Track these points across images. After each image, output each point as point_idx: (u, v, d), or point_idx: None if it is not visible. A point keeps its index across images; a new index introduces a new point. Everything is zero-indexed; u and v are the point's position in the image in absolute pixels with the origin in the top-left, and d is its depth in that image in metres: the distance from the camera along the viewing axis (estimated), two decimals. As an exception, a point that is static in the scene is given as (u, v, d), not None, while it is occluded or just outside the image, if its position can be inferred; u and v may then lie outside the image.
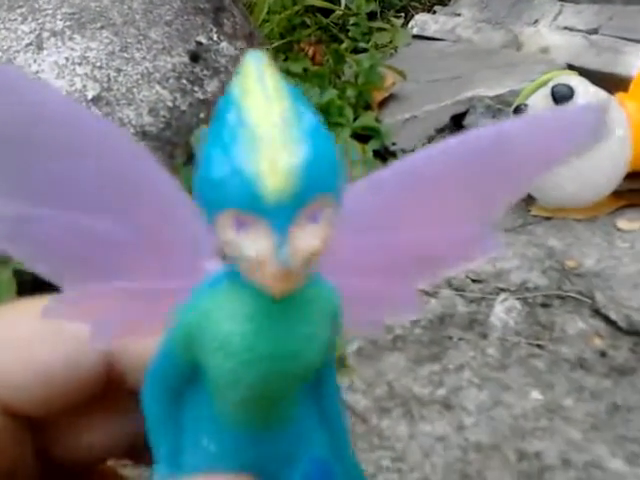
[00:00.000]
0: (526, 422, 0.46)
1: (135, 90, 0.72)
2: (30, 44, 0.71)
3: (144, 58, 0.73)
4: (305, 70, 1.04)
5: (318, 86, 0.94)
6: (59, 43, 0.70)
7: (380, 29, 1.33)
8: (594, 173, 0.69)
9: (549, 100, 0.69)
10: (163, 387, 0.15)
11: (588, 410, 0.46)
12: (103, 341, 0.16)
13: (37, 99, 0.13)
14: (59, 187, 0.14)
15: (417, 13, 1.52)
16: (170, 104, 0.73)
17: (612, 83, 0.79)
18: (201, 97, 0.75)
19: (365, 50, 1.10)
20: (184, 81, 0.74)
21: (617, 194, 0.73)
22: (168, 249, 0.15)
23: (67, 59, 0.70)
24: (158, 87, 0.73)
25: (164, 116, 0.72)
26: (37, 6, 0.72)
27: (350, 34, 1.24)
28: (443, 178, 0.17)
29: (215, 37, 0.78)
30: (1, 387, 0.17)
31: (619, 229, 0.70)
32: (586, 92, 0.69)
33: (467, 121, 0.92)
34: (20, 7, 0.72)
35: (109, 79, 0.71)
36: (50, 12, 0.71)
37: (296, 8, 1.10)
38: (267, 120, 0.11)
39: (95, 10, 0.72)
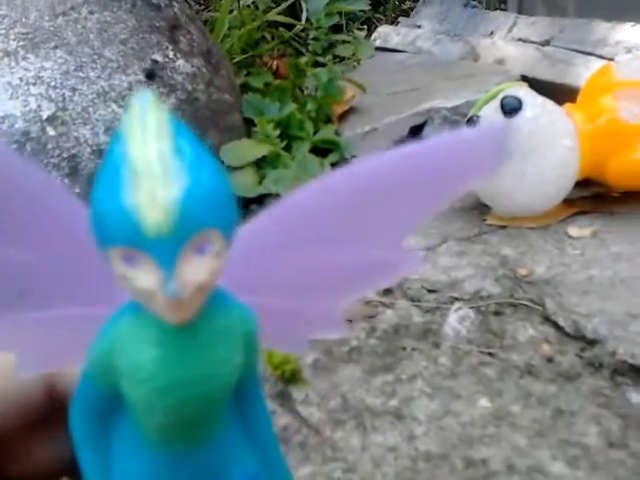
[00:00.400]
0: (474, 430, 0.47)
1: (91, 109, 0.72)
2: (-17, 65, 0.71)
3: (99, 77, 0.73)
4: (267, 84, 1.05)
5: (279, 100, 0.95)
6: (12, 63, 0.70)
7: (343, 42, 1.35)
8: (544, 183, 0.71)
9: (499, 111, 0.71)
10: (88, 411, 0.16)
11: (534, 416, 0.47)
12: (29, 370, 0.16)
13: None
14: None
15: (381, 24, 1.54)
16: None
17: (562, 94, 0.81)
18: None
19: (326, 64, 1.11)
20: (140, 99, 0.74)
21: (568, 202, 0.75)
22: (90, 277, 0.16)
23: (21, 79, 0.70)
24: (114, 106, 0.73)
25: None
26: (-11, 27, 0.72)
27: (311, 48, 1.25)
28: (353, 199, 0.17)
29: (171, 55, 0.79)
30: None
31: (570, 236, 0.71)
32: (534, 103, 0.71)
33: (426, 132, 0.93)
34: (-28, 29, 0.72)
35: (64, 98, 0.71)
36: (3, 32, 0.71)
37: (256, 23, 1.11)
38: (145, 156, 0.12)
39: (49, 30, 0.73)
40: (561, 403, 0.48)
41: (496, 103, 0.72)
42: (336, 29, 1.45)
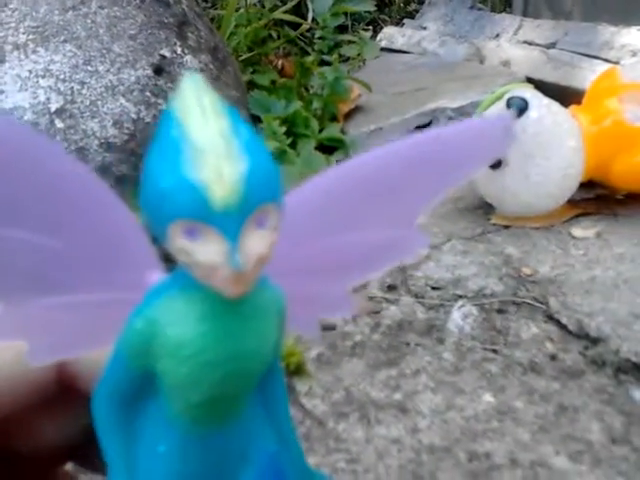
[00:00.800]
0: (477, 424, 0.47)
1: (99, 103, 0.72)
2: (-7, 57, 0.71)
3: (108, 71, 0.73)
4: (273, 82, 1.06)
5: (285, 98, 0.96)
6: (22, 56, 0.70)
7: (349, 42, 1.36)
8: (548, 183, 0.71)
9: (505, 112, 0.71)
10: (116, 394, 0.16)
11: (537, 411, 0.48)
12: (40, 359, 0.16)
13: None
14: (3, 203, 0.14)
15: (386, 26, 1.54)
16: (134, 116, 0.74)
17: (568, 96, 0.82)
18: (165, 109, 0.76)
19: (331, 63, 1.11)
20: (148, 94, 0.75)
21: (572, 203, 0.76)
22: (110, 263, 0.16)
23: (30, 72, 0.70)
24: (122, 100, 0.74)
25: (128, 128, 0.73)
26: (-1, 19, 0.72)
27: (317, 47, 1.26)
28: (368, 184, 0.18)
29: (179, 50, 0.79)
30: None
31: (574, 237, 0.72)
32: (540, 104, 0.71)
33: (430, 132, 0.94)
34: (-17, 20, 0.72)
35: (73, 92, 0.71)
36: (13, 25, 0.72)
37: (263, 22, 1.11)
38: (208, 134, 0.12)
39: (58, 24, 0.73)
40: (564, 399, 0.49)
41: (502, 104, 0.73)
42: (342, 29, 1.46)
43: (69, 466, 0.22)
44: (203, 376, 0.14)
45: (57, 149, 0.15)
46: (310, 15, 1.27)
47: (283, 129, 0.85)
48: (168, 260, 0.15)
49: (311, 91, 1.04)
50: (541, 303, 0.61)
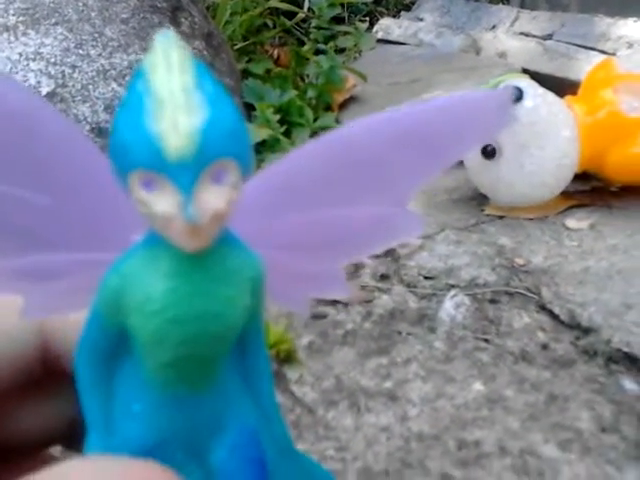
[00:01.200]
0: (467, 412, 0.47)
1: (91, 87, 0.71)
2: (-17, 39, 0.70)
3: (100, 55, 0.73)
4: (268, 71, 1.05)
5: (280, 87, 0.95)
6: (12, 38, 0.69)
7: (345, 33, 1.35)
8: (543, 173, 0.71)
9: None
10: (93, 352, 0.16)
11: (527, 400, 0.47)
12: (36, 313, 0.16)
13: None
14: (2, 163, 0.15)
15: (383, 18, 1.54)
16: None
17: (564, 87, 0.81)
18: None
19: (327, 52, 1.11)
20: (140, 78, 0.74)
21: (567, 194, 0.75)
22: (99, 223, 0.16)
23: (20, 54, 0.69)
24: (114, 84, 0.73)
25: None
26: (-11, 1, 0.71)
27: (312, 37, 1.25)
28: (354, 156, 0.17)
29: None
30: None
31: (568, 228, 0.71)
32: (535, 94, 0.71)
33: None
34: (-27, 2, 0.71)
35: (64, 75, 0.71)
36: (2, 7, 0.71)
37: (258, 10, 1.10)
38: (169, 88, 0.12)
39: (49, 6, 0.72)
40: (554, 388, 0.48)
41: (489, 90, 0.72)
42: (338, 21, 1.45)
43: (57, 449, 0.21)
44: (169, 333, 0.14)
45: (50, 109, 0.15)
46: (306, 4, 1.26)
47: (277, 117, 0.84)
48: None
49: (306, 80, 1.03)
50: (533, 293, 0.61)
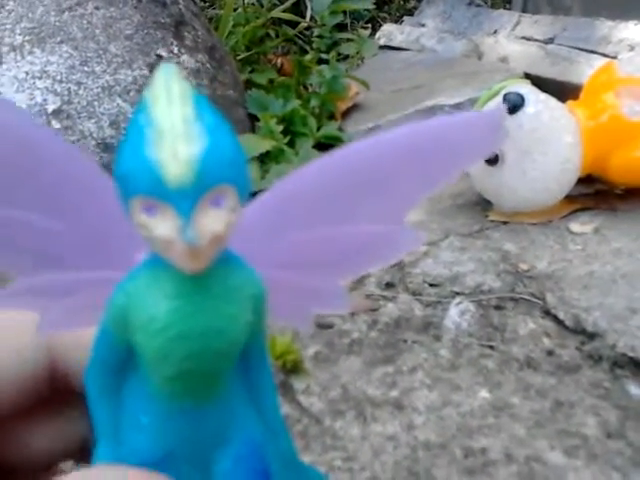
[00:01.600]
0: (473, 420, 0.47)
1: (96, 103, 0.72)
2: (-10, 59, 0.71)
3: (104, 71, 0.74)
4: (271, 81, 1.06)
5: (283, 97, 0.96)
6: (18, 57, 0.70)
7: (348, 40, 1.36)
8: (546, 178, 0.71)
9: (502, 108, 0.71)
10: (102, 366, 0.16)
11: (533, 407, 0.48)
12: (50, 329, 0.17)
13: None
14: (8, 188, 0.16)
15: (385, 24, 1.54)
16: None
17: (566, 91, 0.82)
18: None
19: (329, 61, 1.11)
20: (144, 94, 0.75)
21: (570, 198, 0.76)
22: (107, 242, 0.17)
23: (27, 73, 0.70)
24: (119, 100, 0.74)
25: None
26: (-5, 21, 0.72)
27: (315, 46, 1.25)
28: (357, 175, 0.18)
29: (176, 50, 0.80)
30: None
31: (572, 232, 0.72)
32: (537, 100, 0.71)
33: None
34: (-21, 22, 0.72)
35: (69, 92, 0.72)
36: (9, 27, 0.72)
37: (260, 21, 1.11)
38: (170, 119, 0.13)
39: (55, 25, 0.73)
40: (560, 395, 0.48)
41: (499, 100, 0.73)
42: (340, 28, 1.46)
43: (68, 464, 0.22)
44: (172, 350, 0.15)
45: (51, 132, 0.16)
46: (308, 13, 1.27)
47: (280, 127, 0.85)
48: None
49: (309, 89, 1.04)
50: (538, 299, 0.61)
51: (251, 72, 1.08)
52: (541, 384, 0.50)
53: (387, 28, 1.38)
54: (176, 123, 0.13)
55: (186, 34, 0.83)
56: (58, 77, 0.72)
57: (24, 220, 0.16)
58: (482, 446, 0.45)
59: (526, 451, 0.44)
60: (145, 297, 0.15)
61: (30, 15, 0.75)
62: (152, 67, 0.78)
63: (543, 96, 0.73)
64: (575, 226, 0.72)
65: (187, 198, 0.13)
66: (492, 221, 0.75)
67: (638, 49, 0.84)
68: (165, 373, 0.15)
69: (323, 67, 1.01)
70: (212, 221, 0.13)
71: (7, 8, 0.75)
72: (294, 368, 0.54)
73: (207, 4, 1.29)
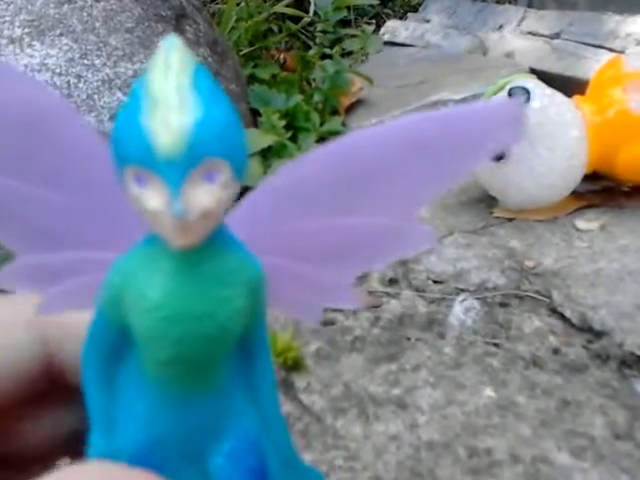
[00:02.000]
0: (478, 419, 0.46)
1: (96, 96, 0.72)
2: (-12, 51, 0.71)
3: (104, 65, 0.73)
4: (274, 76, 1.05)
5: (285, 92, 0.95)
6: (17, 50, 0.69)
7: (352, 36, 1.34)
8: (552, 174, 0.70)
9: (507, 102, 0.70)
10: (98, 350, 0.16)
11: (539, 406, 0.47)
12: (51, 310, 0.17)
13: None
14: (17, 160, 0.16)
15: (390, 20, 1.53)
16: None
17: (572, 86, 0.80)
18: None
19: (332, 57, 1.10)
20: (145, 87, 0.74)
21: (577, 195, 0.74)
22: (113, 222, 0.16)
23: (26, 66, 0.69)
24: (119, 93, 0.73)
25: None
26: (-6, 13, 0.72)
27: (318, 41, 1.24)
28: (362, 165, 0.17)
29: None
30: None
31: (578, 229, 0.70)
32: (542, 94, 0.70)
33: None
34: (-22, 14, 0.72)
35: (69, 86, 0.71)
36: (8, 19, 0.71)
37: (263, 15, 1.10)
38: (164, 87, 0.13)
39: (54, 17, 0.72)
40: (567, 394, 0.47)
41: (504, 94, 0.71)
42: (345, 24, 1.45)
43: (64, 461, 0.21)
44: (163, 332, 0.14)
45: (68, 108, 0.16)
46: (312, 9, 1.26)
47: (283, 122, 0.84)
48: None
49: (313, 85, 1.03)
50: (544, 296, 0.60)
51: (254, 67, 1.07)
52: (547, 383, 0.49)
53: (391, 24, 1.37)
54: (170, 92, 0.13)
55: (187, 28, 0.82)
56: (57, 70, 0.71)
57: (29, 193, 0.16)
58: (487, 446, 0.44)
59: (532, 451, 0.43)
60: (138, 275, 0.15)
61: (29, 7, 0.74)
62: (153, 60, 0.77)
63: (549, 91, 0.71)
64: (581, 223, 0.71)
65: (177, 169, 0.13)
66: (497, 218, 0.74)
67: (646, 44, 0.83)
68: (156, 356, 0.15)
69: (326, 62, 1.00)
70: (203, 196, 0.13)
71: (6, 0, 0.75)
72: (295, 365, 0.53)
73: (209, -1, 1.28)
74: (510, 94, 0.70)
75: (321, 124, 0.90)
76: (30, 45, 0.71)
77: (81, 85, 0.71)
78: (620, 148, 0.71)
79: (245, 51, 1.09)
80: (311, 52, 1.13)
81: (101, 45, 0.74)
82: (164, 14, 0.81)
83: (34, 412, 0.19)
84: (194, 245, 0.14)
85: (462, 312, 0.59)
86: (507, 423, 0.46)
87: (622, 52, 0.86)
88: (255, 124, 0.87)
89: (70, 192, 0.16)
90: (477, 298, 0.61)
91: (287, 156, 0.79)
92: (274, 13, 1.17)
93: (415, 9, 1.62)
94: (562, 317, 0.57)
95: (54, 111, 0.16)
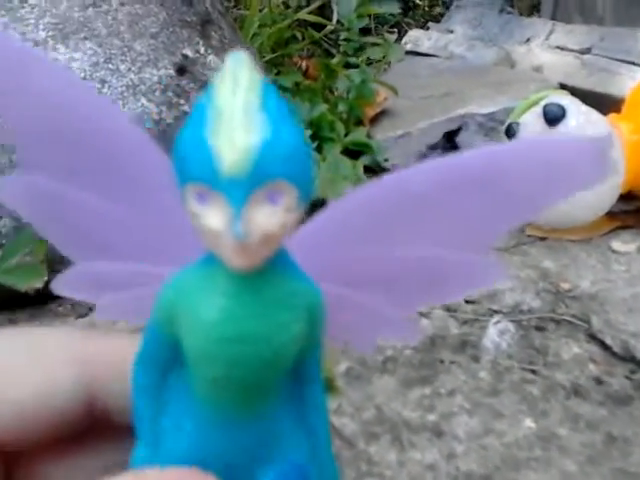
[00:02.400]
0: (519, 451, 0.44)
1: (120, 102, 0.70)
2: (13, 53, 0.69)
3: (129, 70, 0.71)
4: (297, 84, 1.03)
5: (309, 101, 0.93)
6: (45, 54, 0.68)
7: (373, 44, 1.33)
8: (587, 194, 0.68)
9: (541, 119, 0.68)
10: (149, 362, 0.16)
11: (583, 440, 0.44)
12: (107, 316, 0.17)
13: (52, 89, 0.15)
14: (78, 167, 0.16)
15: (411, 29, 1.52)
16: (156, 117, 0.72)
17: (604, 103, 0.79)
18: (187, 110, 0.73)
19: (357, 65, 1.09)
20: (170, 94, 0.72)
21: (611, 215, 0.72)
22: (169, 237, 0.16)
23: (51, 69, 0.68)
24: (144, 99, 0.71)
25: (149, 129, 0.70)
26: (19, 15, 0.70)
27: (342, 49, 1.23)
28: (432, 197, 0.16)
29: (202, 50, 0.77)
30: None
31: (614, 251, 0.68)
32: (578, 112, 0.68)
33: (460, 139, 0.91)
34: (2, 16, 0.70)
35: (94, 90, 0.69)
36: (32, 22, 0.69)
37: (286, 22, 1.09)
38: (232, 104, 0.12)
39: (79, 20, 0.71)
40: (613, 428, 0.45)
41: (538, 110, 0.70)
42: (365, 32, 1.43)
43: None
44: (215, 351, 0.14)
45: (129, 122, 0.16)
46: (335, 16, 1.24)
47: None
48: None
49: (336, 94, 1.01)
50: (582, 321, 0.58)
51: (276, 74, 1.05)
52: (591, 415, 0.47)
53: (414, 34, 1.35)
54: (237, 110, 0.12)
55: (213, 34, 0.81)
56: (82, 74, 0.69)
57: (89, 202, 0.16)
58: (531, 481, 0.42)
59: (580, 490, 0.40)
60: (193, 294, 0.14)
61: (54, 10, 0.73)
62: (178, 67, 0.75)
63: (585, 108, 0.69)
64: (617, 244, 0.69)
65: (240, 189, 0.12)
66: (529, 236, 0.72)
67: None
68: (207, 375, 0.15)
69: (352, 71, 0.98)
70: (265, 218, 0.13)
71: (30, 3, 0.73)
72: (326, 386, 0.51)
73: (232, 4, 1.27)
74: (545, 111, 0.68)
75: (345, 135, 0.88)
76: (54, 48, 0.70)
77: (105, 90, 0.70)
78: (658, 168, 0.69)
79: (267, 58, 1.08)
80: (334, 60, 1.12)
81: (125, 50, 0.72)
82: (189, 19, 0.80)
83: (72, 453, 0.18)
84: (253, 268, 0.13)
85: (497, 335, 0.57)
86: (550, 457, 0.44)
87: (657, 69, 0.84)
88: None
89: (126, 202, 0.16)
90: (512, 320, 0.59)
91: (313, 167, 0.78)
92: (297, 20, 1.16)
93: (436, 19, 1.60)
94: (602, 344, 0.55)
95: (104, 112, 0.16)
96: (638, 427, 0.45)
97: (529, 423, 0.47)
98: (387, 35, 1.41)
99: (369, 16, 1.39)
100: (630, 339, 0.54)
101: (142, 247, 0.16)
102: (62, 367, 0.17)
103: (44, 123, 0.16)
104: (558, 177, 0.16)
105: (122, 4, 0.76)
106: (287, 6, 1.20)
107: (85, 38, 0.72)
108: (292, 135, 0.13)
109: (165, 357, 0.16)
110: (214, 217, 0.13)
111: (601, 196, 0.70)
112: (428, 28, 1.45)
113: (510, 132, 0.71)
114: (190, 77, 0.76)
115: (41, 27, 0.71)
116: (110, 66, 0.72)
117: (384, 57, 1.23)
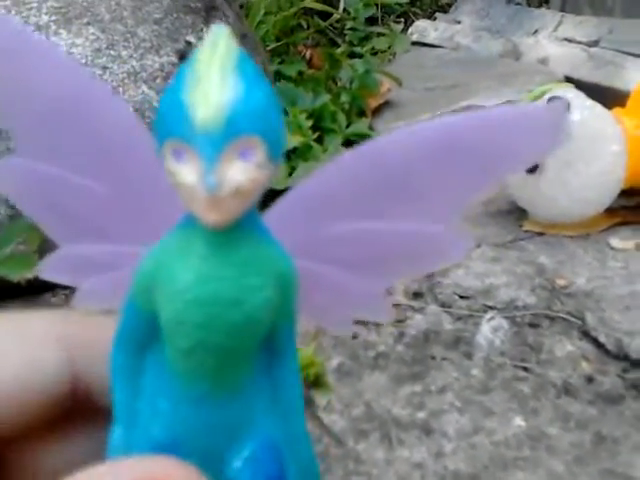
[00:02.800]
0: (507, 451, 0.44)
1: (121, 89, 0.70)
2: (13, 38, 0.69)
3: (131, 56, 0.71)
4: (300, 73, 1.02)
5: (312, 90, 0.92)
6: (43, 38, 0.68)
7: (379, 34, 1.32)
8: (586, 188, 0.68)
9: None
10: (126, 340, 0.16)
11: (572, 440, 0.44)
12: (88, 302, 0.17)
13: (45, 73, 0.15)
14: (55, 146, 0.16)
15: (418, 19, 1.50)
16: (157, 104, 0.71)
17: (610, 97, 0.78)
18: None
19: (362, 55, 1.08)
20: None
21: (611, 211, 0.72)
22: (154, 217, 0.16)
23: (50, 55, 0.68)
24: (144, 87, 0.71)
25: (150, 117, 0.70)
26: (21, -1, 0.70)
27: (347, 38, 1.22)
28: (401, 168, 0.16)
29: (206, 37, 0.77)
30: None
31: (612, 248, 0.68)
32: (582, 106, 0.67)
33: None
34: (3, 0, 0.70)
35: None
36: (35, 5, 0.69)
37: (292, 10, 1.08)
38: (208, 66, 0.13)
39: (82, 5, 0.70)
40: (602, 428, 0.45)
41: (542, 103, 0.69)
42: (371, 22, 1.42)
43: None
44: (187, 315, 0.14)
45: (119, 99, 0.16)
46: (341, 5, 1.23)
47: (309, 123, 0.81)
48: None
49: (339, 84, 1.01)
50: (577, 318, 0.58)
51: (280, 63, 1.05)
52: (581, 414, 0.47)
53: (420, 24, 1.34)
54: (214, 72, 0.13)
55: (217, 20, 0.80)
56: (83, 60, 0.69)
57: (73, 182, 0.16)
58: (517, 480, 0.42)
59: (566, 490, 0.40)
60: (168, 258, 0.15)
61: (57, -6, 0.73)
62: (180, 54, 0.75)
63: (589, 102, 0.69)
64: (615, 241, 0.69)
65: (212, 143, 0.13)
66: (526, 231, 0.72)
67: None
68: (182, 345, 0.15)
69: (355, 61, 0.97)
70: (237, 172, 0.13)
71: (34, -14, 0.73)
72: (316, 381, 0.51)
73: (238, -9, 1.26)
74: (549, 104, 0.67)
75: (347, 126, 0.88)
76: (56, 33, 0.69)
77: (106, 77, 0.69)
78: (660, 165, 0.68)
79: (272, 46, 1.07)
80: (339, 50, 1.11)
81: (128, 36, 0.72)
82: (193, 6, 0.79)
83: (58, 435, 0.18)
84: (226, 223, 0.14)
85: (490, 331, 0.57)
86: (539, 457, 0.43)
87: (664, 64, 0.83)
88: (281, 123, 0.84)
89: (110, 182, 0.16)
90: (506, 317, 0.58)
91: (312, 158, 0.77)
92: (303, 8, 1.15)
93: (444, 9, 1.59)
94: (595, 342, 0.55)
95: (92, 94, 0.16)
96: (628, 427, 0.45)
97: (519, 422, 0.47)
98: (393, 25, 1.40)
99: (376, 5, 1.38)
100: (624, 337, 0.53)
101: (131, 230, 0.17)
102: (45, 348, 0.17)
103: (33, 106, 0.16)
104: (515, 143, 0.16)
105: (125, -11, 0.76)
106: (293, -7, 1.18)
107: (88, 23, 0.72)
108: (264, 94, 0.13)
109: (142, 333, 0.16)
110: (189, 174, 0.13)
111: (601, 192, 0.69)
112: (435, 18, 1.43)
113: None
114: (191, 65, 0.76)
115: (44, 11, 0.71)
116: (112, 52, 0.71)
117: (390, 47, 1.22)
